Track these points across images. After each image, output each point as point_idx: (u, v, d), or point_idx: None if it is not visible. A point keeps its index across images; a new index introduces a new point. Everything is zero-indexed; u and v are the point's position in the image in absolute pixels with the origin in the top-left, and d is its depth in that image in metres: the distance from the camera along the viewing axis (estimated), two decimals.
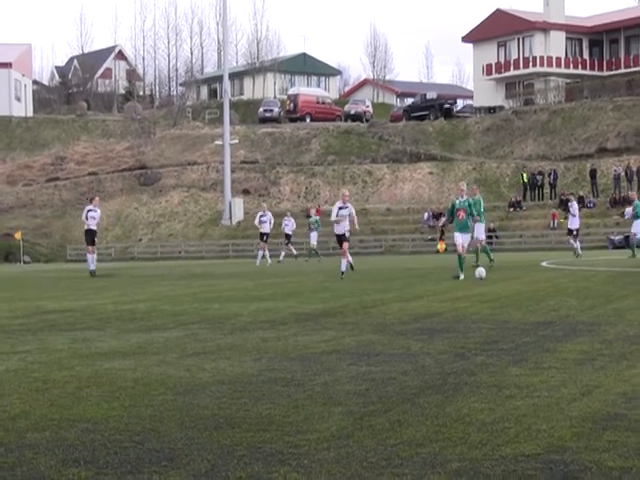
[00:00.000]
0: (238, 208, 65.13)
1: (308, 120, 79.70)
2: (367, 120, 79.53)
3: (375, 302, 16.60)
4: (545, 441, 5.75)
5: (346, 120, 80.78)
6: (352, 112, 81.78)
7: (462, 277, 22.19)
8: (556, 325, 12.02)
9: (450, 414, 6.62)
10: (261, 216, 39.65)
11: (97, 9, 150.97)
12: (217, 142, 68.41)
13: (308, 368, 8.95)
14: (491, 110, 77.43)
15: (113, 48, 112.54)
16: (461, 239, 23.08)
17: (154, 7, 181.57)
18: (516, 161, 67.66)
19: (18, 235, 59.03)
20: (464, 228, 23.18)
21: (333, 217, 26.01)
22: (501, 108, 77.60)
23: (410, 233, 60.61)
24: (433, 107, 76.82)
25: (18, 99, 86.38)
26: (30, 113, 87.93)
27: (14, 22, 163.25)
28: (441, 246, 55.14)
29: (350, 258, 26.44)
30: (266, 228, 40.35)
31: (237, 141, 68.38)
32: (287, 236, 44.31)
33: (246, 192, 68.63)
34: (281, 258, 42.58)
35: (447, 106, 77.42)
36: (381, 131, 74.77)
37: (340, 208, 26.22)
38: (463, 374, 8.32)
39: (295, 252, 45.10)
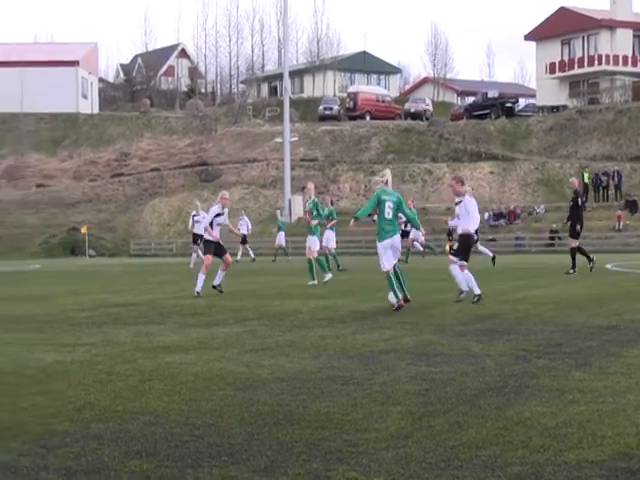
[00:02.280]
0: (297, 205, 65.21)
1: (368, 118, 79.53)
2: (427, 118, 79.18)
3: (435, 302, 16.52)
4: (610, 448, 5.65)
5: (406, 118, 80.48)
6: (412, 110, 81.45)
7: (321, 279, 22.67)
8: (621, 329, 11.83)
9: (511, 417, 6.55)
10: (194, 216, 36.31)
11: (161, 8, 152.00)
12: (277, 139, 68.57)
13: (367, 367, 8.93)
14: (554, 109, 76.60)
15: (176, 46, 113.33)
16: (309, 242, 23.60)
17: (216, 6, 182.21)
18: (580, 161, 66.85)
19: (84, 229, 59.75)
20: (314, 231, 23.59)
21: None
22: (565, 107, 76.73)
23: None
24: (494, 106, 76.21)
25: (85, 96, 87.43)
26: (96, 110, 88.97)
27: (81, 21, 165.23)
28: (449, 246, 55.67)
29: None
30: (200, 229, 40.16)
31: (297, 139, 68.49)
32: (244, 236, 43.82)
33: (302, 189, 68.70)
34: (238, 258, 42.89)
35: (509, 105, 76.73)
36: (441, 130, 74.40)
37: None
38: (525, 377, 8.23)
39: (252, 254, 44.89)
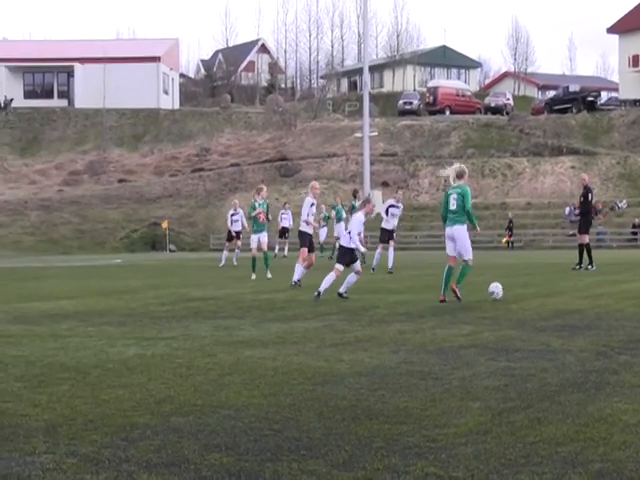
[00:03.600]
0: (377, 200, 65.16)
1: (447, 113, 79.16)
2: (507, 113, 78.54)
3: (514, 297, 16.40)
4: None
5: (486, 113, 79.94)
6: (492, 105, 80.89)
7: (253, 277, 23.79)
8: None
9: (592, 413, 6.48)
10: (232, 215, 36.23)
11: (241, 3, 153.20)
12: (356, 134, 68.52)
13: (446, 362, 8.91)
14: (637, 103, 75.36)
15: (256, 42, 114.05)
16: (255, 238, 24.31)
17: (296, 1, 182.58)
18: None
19: (165, 224, 60.44)
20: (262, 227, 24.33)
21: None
22: None
23: (551, 228, 59.59)
24: (576, 100, 75.28)
25: (166, 92, 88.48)
26: (177, 106, 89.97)
27: (162, 17, 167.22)
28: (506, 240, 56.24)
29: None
30: (238, 226, 40.16)
31: (376, 133, 68.36)
32: (284, 230, 43.40)
33: (385, 184, 68.58)
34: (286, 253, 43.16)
35: (590, 99, 75.73)
36: (522, 124, 73.70)
37: (391, 206, 26.77)
38: (606, 373, 8.14)
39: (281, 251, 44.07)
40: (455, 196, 15.89)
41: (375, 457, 5.43)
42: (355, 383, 7.81)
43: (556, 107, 76.18)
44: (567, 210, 59.62)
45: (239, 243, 35.77)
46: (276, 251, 42.99)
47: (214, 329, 12.03)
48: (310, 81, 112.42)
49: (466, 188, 16.08)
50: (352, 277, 16.96)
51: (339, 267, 17.07)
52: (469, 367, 8.58)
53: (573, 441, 5.73)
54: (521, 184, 66.83)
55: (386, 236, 26.64)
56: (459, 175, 16.15)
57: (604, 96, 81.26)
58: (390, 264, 25.78)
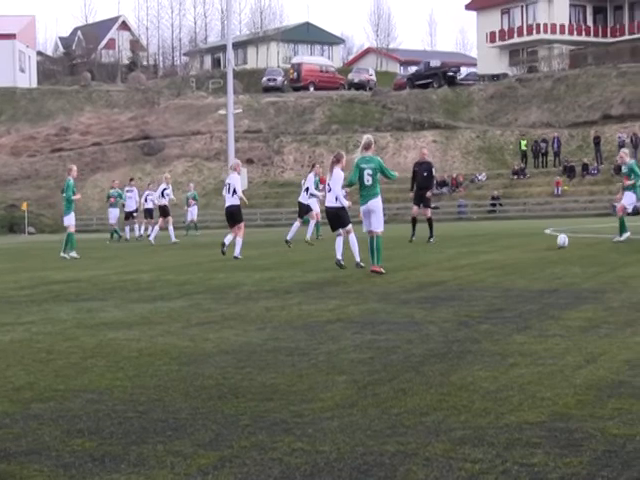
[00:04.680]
0: (242, 177, 64.99)
1: (312, 89, 79.36)
2: (371, 88, 79.21)
3: None
4: (549, 409, 5.75)
5: (349, 89, 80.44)
6: (355, 80, 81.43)
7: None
8: (560, 293, 12.01)
9: (454, 382, 6.62)
10: (164, 189, 35.06)
11: None
12: (221, 112, 68.14)
13: (312, 337, 8.95)
14: (495, 78, 77.03)
15: (117, 18, 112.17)
16: None
17: None
18: (520, 129, 67.35)
19: (24, 206, 59.00)
20: None
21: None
22: (505, 75, 77.22)
23: (412, 201, 60.43)
24: (437, 75, 76.43)
25: (22, 70, 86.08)
26: (34, 84, 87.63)
27: None
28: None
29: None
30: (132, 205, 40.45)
31: (241, 110, 68.11)
32: (149, 211, 40.89)
33: (250, 161, 68.41)
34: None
35: (451, 74, 76.98)
36: (384, 99, 74.46)
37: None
38: (467, 342, 8.32)
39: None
40: (370, 171, 16.01)
41: (242, 435, 5.42)
42: (221, 362, 7.78)
43: (417, 82, 77.20)
44: None
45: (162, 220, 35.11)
46: (141, 231, 42.15)
47: (76, 312, 11.81)
48: (173, 58, 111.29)
49: (379, 160, 16.35)
50: (352, 239, 17.21)
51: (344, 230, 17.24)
52: (335, 341, 8.65)
53: (436, 410, 5.83)
54: (385, 158, 67.34)
55: (304, 209, 28.15)
56: (367, 146, 16.34)
57: (464, 71, 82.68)
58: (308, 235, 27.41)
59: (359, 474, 4.63)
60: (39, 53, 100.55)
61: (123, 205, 41.16)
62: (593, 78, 68.70)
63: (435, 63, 78.97)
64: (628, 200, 23.07)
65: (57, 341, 9.27)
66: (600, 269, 15.24)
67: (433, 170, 26.24)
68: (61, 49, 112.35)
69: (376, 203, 16.17)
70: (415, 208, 26.66)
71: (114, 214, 40.34)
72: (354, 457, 4.90)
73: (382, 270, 15.77)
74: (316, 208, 27.85)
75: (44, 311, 12.06)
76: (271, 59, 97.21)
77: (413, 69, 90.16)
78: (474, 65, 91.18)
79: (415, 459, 4.82)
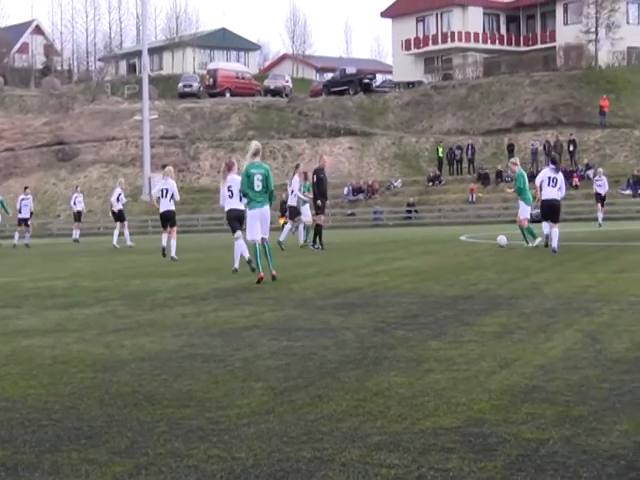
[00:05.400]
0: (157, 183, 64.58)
1: (228, 95, 79.15)
2: (287, 95, 79.33)
3: (295, 277, 16.62)
4: (464, 414, 5.83)
5: (266, 95, 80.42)
6: (272, 87, 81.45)
7: None
8: (475, 299, 12.17)
9: (370, 388, 6.67)
10: (119, 195, 35.53)
11: None
12: (136, 117, 67.66)
13: (228, 344, 8.94)
14: (410, 85, 77.73)
15: (30, 23, 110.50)
16: None
17: None
18: (435, 136, 68.06)
19: None
20: None
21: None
22: (420, 83, 77.97)
23: (330, 208, 60.70)
24: (352, 82, 76.82)
25: None
26: None
27: None
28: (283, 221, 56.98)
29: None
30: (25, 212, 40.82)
31: (156, 116, 67.71)
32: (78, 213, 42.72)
33: (165, 167, 68.06)
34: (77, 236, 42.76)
35: (366, 81, 77.45)
36: (301, 106, 74.64)
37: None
38: (383, 348, 8.39)
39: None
40: (260, 177, 16.03)
41: (157, 442, 5.40)
42: (137, 369, 7.73)
43: (333, 89, 77.52)
44: (345, 190, 60.94)
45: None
46: (76, 236, 42.33)
47: None
48: (88, 63, 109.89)
49: (267, 167, 16.47)
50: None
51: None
52: (251, 348, 8.65)
53: (352, 416, 5.87)
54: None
55: (294, 212, 28.68)
56: (256, 152, 16.35)
57: (379, 78, 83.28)
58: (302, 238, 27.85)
59: None
60: None
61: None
62: (507, 86, 69.76)
63: (351, 70, 79.40)
64: (524, 211, 23.82)
65: None
66: (514, 275, 15.48)
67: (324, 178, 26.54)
68: None
69: (267, 209, 16.26)
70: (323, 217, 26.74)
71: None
72: (270, 463, 4.92)
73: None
74: (307, 212, 27.94)
75: None
76: (187, 65, 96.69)
77: (329, 76, 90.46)
78: (390, 72, 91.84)
79: (331, 465, 4.85)
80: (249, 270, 17.33)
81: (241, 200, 17.72)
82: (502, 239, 23.79)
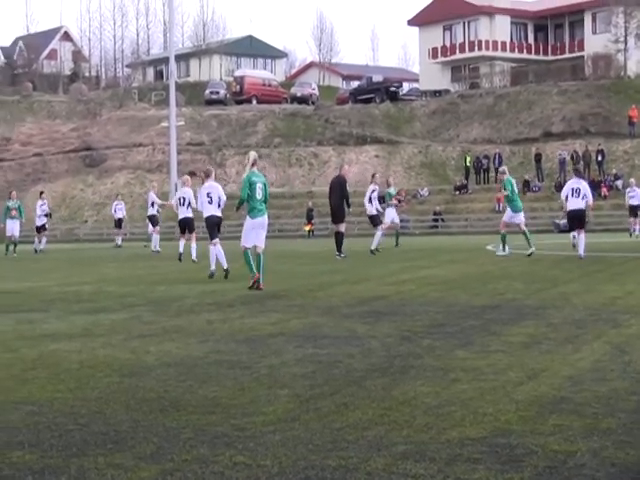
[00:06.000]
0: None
1: (254, 102, 79.34)
2: (313, 103, 79.39)
3: (321, 285, 16.61)
4: (491, 424, 5.78)
5: (292, 102, 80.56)
6: (298, 94, 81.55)
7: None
8: (502, 308, 12.10)
9: (396, 397, 6.64)
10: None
11: None
12: (163, 124, 67.88)
13: (254, 350, 8.93)
14: (437, 93, 77.64)
15: (59, 29, 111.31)
16: None
17: None
18: (462, 144, 67.94)
19: None
20: None
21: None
22: (447, 92, 77.86)
23: (356, 216, 60.66)
24: (379, 90, 76.81)
25: None
26: None
27: None
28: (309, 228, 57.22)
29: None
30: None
31: (183, 123, 67.93)
32: (119, 221, 44.63)
33: (192, 174, 68.18)
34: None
35: (393, 89, 77.43)
36: (327, 114, 74.69)
37: (373, 191, 29.18)
38: (409, 357, 8.35)
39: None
40: (261, 185, 16.39)
41: (183, 448, 5.39)
42: (163, 374, 7.74)
43: (360, 97, 77.54)
44: None
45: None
46: (118, 242, 43.51)
47: (16, 323, 11.67)
48: (115, 70, 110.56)
49: (265, 177, 16.80)
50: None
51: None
52: (277, 355, 8.64)
53: (378, 425, 5.84)
54: (327, 172, 67.67)
55: (375, 221, 29.16)
56: (255, 162, 16.64)
57: (406, 87, 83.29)
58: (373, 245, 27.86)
59: None
60: None
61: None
62: (534, 95, 69.53)
63: (377, 78, 79.40)
64: (507, 216, 25.04)
65: None
66: (542, 285, 15.39)
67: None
68: (2, 59, 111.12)
69: (266, 218, 16.52)
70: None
71: (14, 226, 37.52)
72: (296, 471, 4.90)
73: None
74: (387, 218, 29.38)
75: None
76: (214, 72, 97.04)
77: (355, 84, 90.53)
78: (416, 81, 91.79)
79: (357, 474, 4.83)
80: (224, 277, 18.19)
81: (219, 207, 19.31)
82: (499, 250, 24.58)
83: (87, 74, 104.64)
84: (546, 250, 24.11)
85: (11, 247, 36.51)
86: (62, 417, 6.23)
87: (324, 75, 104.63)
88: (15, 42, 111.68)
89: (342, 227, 26.13)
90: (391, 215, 30.36)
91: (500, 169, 27.72)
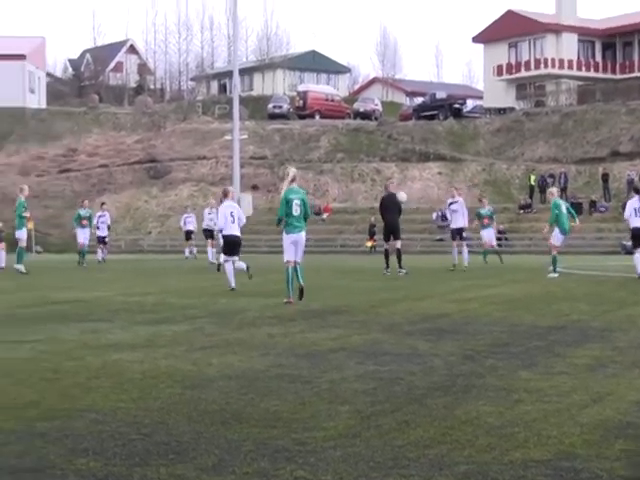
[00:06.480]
0: (247, 203, 65.03)
1: (317, 117, 79.56)
2: (376, 118, 79.38)
3: (383, 301, 16.58)
4: (555, 447, 5.70)
5: (355, 118, 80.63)
6: (361, 110, 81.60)
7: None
8: (567, 330, 11.96)
9: (458, 416, 6.59)
10: (209, 214, 37.63)
11: (109, 3, 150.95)
12: (226, 137, 68.27)
13: (315, 365, 8.93)
14: (501, 111, 77.19)
15: (125, 42, 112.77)
16: None
17: (165, 2, 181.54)
18: (526, 163, 67.39)
19: (30, 225, 58.91)
20: None
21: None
22: (511, 109, 77.37)
23: (418, 233, 60.47)
24: (442, 107, 76.59)
25: (32, 91, 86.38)
26: (43, 105, 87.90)
27: (28, 15, 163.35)
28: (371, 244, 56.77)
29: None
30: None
31: (246, 136, 68.27)
32: (189, 233, 44.95)
33: (255, 187, 68.64)
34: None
35: (457, 106, 77.14)
36: (390, 130, 74.61)
37: (451, 203, 29.56)
38: (472, 376, 8.29)
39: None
40: (298, 202, 16.52)
41: (244, 461, 5.41)
42: (224, 387, 7.77)
43: (423, 113, 77.38)
44: (434, 215, 60.62)
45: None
46: (187, 254, 44.29)
47: (81, 332, 11.81)
48: (180, 83, 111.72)
49: (304, 193, 17.09)
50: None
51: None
52: (338, 370, 8.63)
53: (440, 443, 5.81)
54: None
55: (455, 234, 29.73)
56: (293, 179, 16.85)
57: (470, 104, 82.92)
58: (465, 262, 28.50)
59: None
60: (48, 74, 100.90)
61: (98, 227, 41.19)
62: (601, 114, 68.79)
63: (441, 95, 79.20)
64: (556, 238, 24.63)
65: (63, 360, 9.27)
66: (608, 307, 15.19)
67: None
68: (70, 71, 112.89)
69: (302, 235, 16.67)
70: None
71: (85, 235, 38.59)
72: None
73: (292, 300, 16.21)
74: (488, 236, 31.54)
75: (50, 330, 12.07)
76: (277, 86, 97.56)
77: (419, 100, 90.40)
78: (480, 98, 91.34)
79: None
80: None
81: (239, 225, 19.62)
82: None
83: (152, 87, 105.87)
84: (611, 272, 23.78)
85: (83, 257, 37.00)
86: (125, 426, 6.29)
87: (387, 91, 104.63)
88: (82, 54, 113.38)
89: (399, 243, 26.26)
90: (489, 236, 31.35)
91: (549, 190, 27.68)
